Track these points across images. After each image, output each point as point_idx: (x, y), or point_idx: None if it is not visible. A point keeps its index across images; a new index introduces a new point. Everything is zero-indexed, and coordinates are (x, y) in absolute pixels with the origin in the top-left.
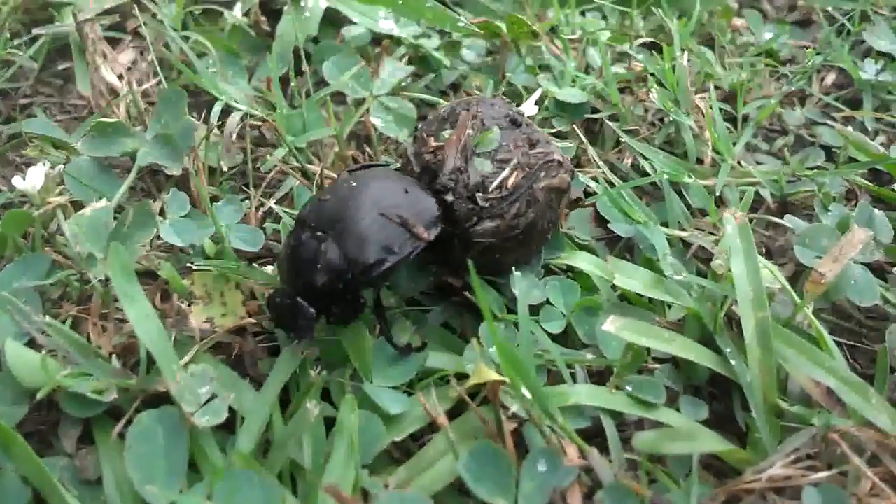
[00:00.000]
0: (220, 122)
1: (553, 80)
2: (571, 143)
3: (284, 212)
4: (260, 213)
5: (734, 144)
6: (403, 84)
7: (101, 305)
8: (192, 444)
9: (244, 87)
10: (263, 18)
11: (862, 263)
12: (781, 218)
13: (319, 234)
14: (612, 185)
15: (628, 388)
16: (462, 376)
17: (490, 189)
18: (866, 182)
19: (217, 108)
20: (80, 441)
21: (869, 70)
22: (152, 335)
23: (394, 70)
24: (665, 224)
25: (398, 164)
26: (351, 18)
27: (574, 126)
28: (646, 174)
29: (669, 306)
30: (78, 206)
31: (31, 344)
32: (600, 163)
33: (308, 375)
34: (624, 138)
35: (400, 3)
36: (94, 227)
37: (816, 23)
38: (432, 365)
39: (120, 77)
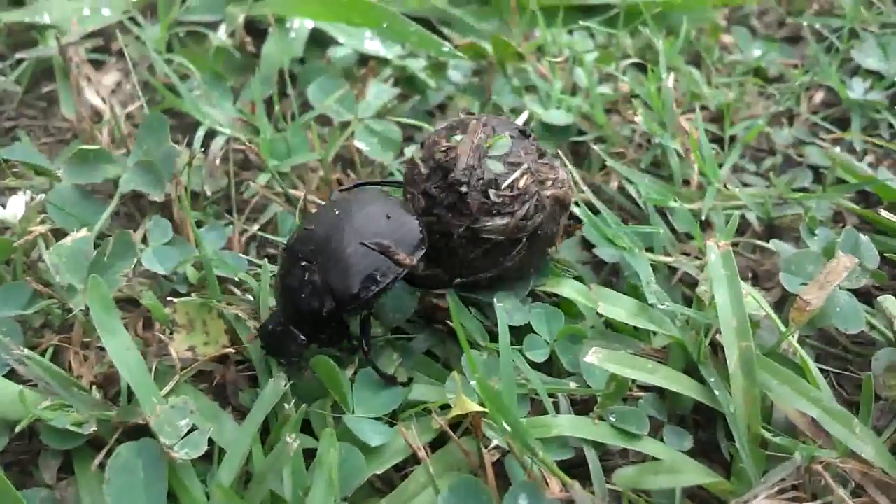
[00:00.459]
0: (205, 146)
1: (539, 101)
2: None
3: (268, 238)
4: (244, 238)
5: (721, 166)
6: (389, 106)
7: (83, 335)
8: (171, 476)
9: (229, 110)
10: (249, 39)
11: (848, 290)
12: (768, 241)
13: (304, 263)
14: (595, 210)
15: (611, 419)
16: (446, 406)
17: (502, 187)
18: (853, 205)
19: (200, 133)
20: (61, 471)
21: (857, 89)
22: (131, 368)
23: (379, 92)
24: (651, 249)
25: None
26: (337, 39)
27: (559, 150)
28: (632, 198)
29: (655, 333)
30: (60, 234)
31: (11, 375)
32: (584, 187)
33: (287, 408)
34: (609, 162)
35: (385, 26)
36: (74, 258)
37: (806, 39)
38: (415, 395)
39: (104, 100)
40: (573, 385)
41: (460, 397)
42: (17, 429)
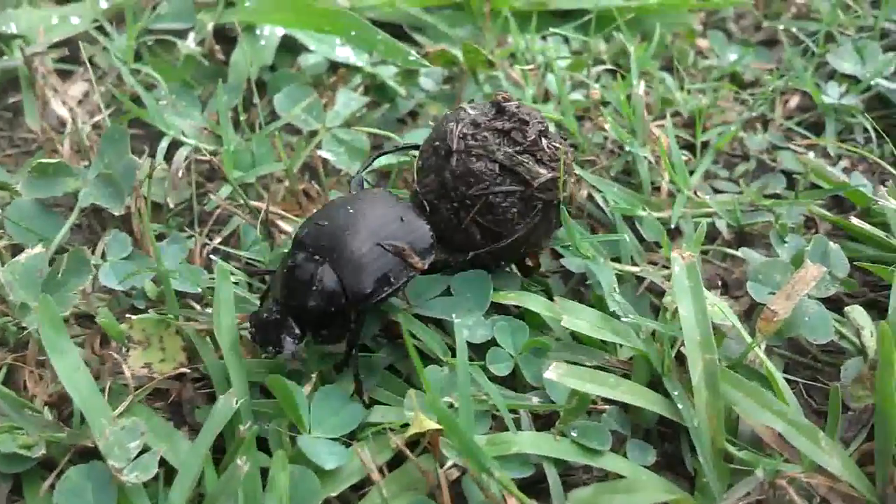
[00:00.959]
0: (170, 157)
1: None
2: None
3: (229, 251)
4: (206, 251)
5: (692, 173)
6: (359, 114)
7: (38, 353)
8: (122, 499)
9: (197, 119)
10: (218, 47)
11: (817, 299)
12: (739, 248)
13: (317, 258)
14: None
15: (573, 434)
16: (406, 423)
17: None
18: (824, 212)
19: (164, 143)
20: (13, 493)
21: (832, 93)
22: (81, 388)
23: (348, 101)
24: (618, 258)
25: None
26: (308, 46)
27: None
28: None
29: (620, 345)
30: (18, 249)
31: None
32: None
33: (241, 428)
34: (578, 170)
35: (353, 34)
36: (28, 275)
37: (783, 43)
38: (374, 419)
39: (71, 110)
40: (536, 400)
41: (417, 415)
42: None
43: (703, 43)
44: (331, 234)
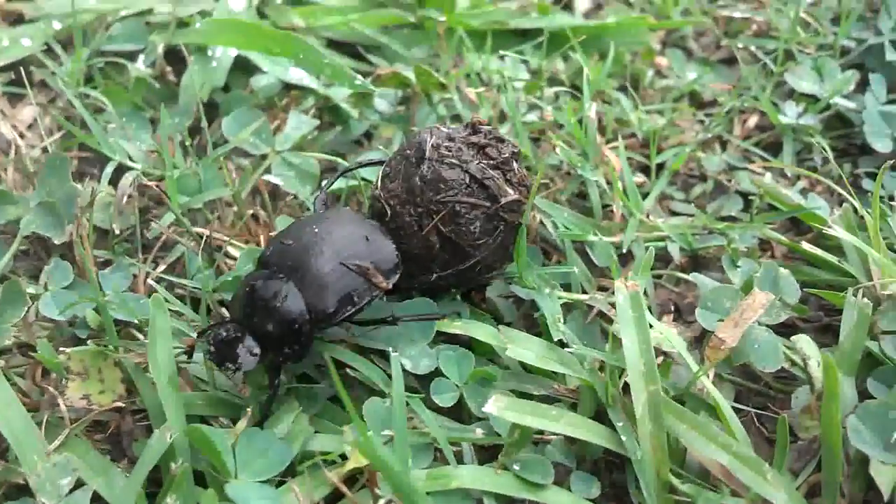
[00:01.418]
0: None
1: None
2: None
3: (173, 280)
4: (149, 279)
5: (647, 196)
6: (310, 137)
7: None
8: None
9: (147, 142)
10: (170, 69)
11: (768, 325)
12: (692, 273)
13: (281, 276)
14: None
15: (515, 468)
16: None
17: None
18: (778, 235)
19: (109, 169)
20: None
21: (790, 113)
22: (13, 424)
23: (299, 123)
24: (569, 285)
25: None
26: (261, 67)
27: None
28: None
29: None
30: None
31: None
32: None
33: (173, 466)
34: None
35: (301, 56)
36: None
37: (745, 61)
38: (315, 445)
39: (21, 135)
40: (480, 432)
41: (354, 450)
42: None
43: (662, 61)
44: (295, 253)
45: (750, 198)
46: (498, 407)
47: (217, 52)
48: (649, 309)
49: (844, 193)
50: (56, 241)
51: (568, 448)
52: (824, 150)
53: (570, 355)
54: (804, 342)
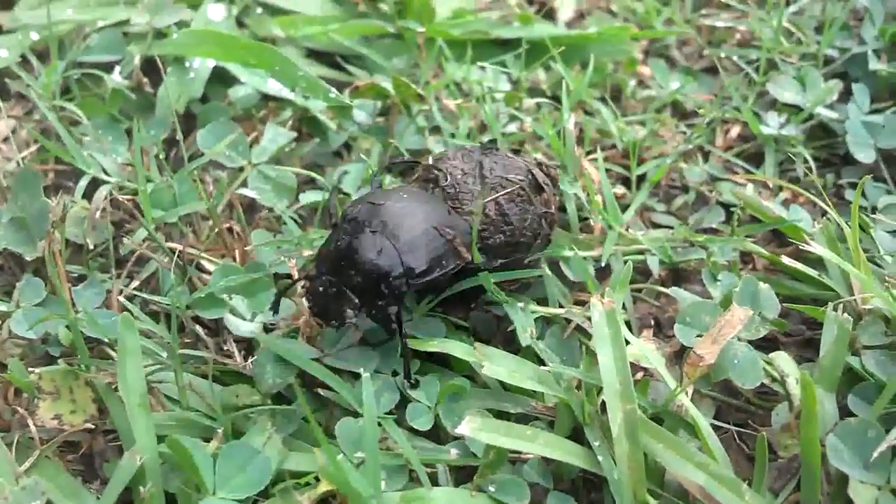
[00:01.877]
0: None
1: (443, 143)
2: None
3: (145, 297)
4: (123, 295)
5: (627, 208)
6: (287, 149)
7: None
8: None
9: (123, 155)
10: (146, 80)
11: (748, 341)
12: (672, 286)
13: (375, 231)
14: None
15: (491, 490)
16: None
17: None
18: (758, 248)
19: (83, 182)
20: None
21: (772, 123)
22: None
23: (275, 135)
24: (546, 299)
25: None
26: (239, 78)
27: None
28: None
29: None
30: None
31: None
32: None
33: (142, 490)
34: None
35: (277, 68)
36: None
37: (729, 71)
38: (290, 465)
39: None
40: (454, 452)
41: (326, 472)
42: None
43: (645, 70)
44: (388, 212)
45: (731, 209)
46: (472, 428)
47: (195, 63)
48: (628, 324)
49: (825, 206)
50: (27, 258)
51: (545, 468)
52: (807, 160)
53: (547, 373)
54: (782, 359)
